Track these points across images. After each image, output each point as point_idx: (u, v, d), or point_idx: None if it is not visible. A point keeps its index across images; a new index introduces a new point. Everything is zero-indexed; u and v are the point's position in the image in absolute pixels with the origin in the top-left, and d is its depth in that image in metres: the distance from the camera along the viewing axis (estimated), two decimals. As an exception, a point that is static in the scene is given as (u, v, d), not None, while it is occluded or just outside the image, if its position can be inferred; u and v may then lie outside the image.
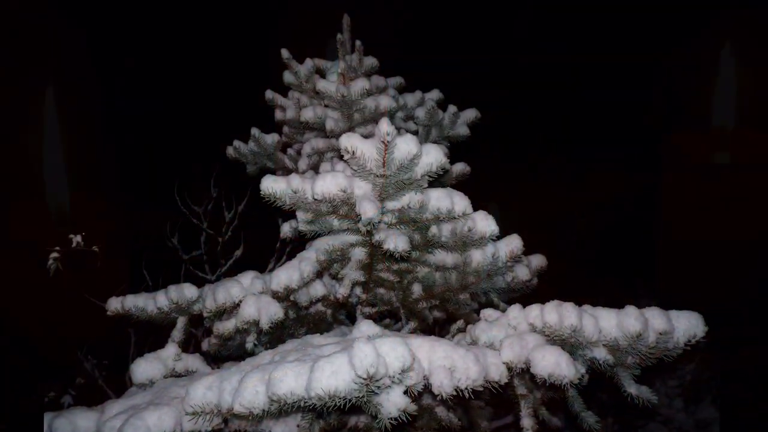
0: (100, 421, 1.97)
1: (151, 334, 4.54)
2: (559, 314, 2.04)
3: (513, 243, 2.59)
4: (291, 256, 3.68)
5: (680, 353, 2.04)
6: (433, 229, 2.52)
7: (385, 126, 2.22)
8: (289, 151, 4.00)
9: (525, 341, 2.02)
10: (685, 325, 1.98)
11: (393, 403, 1.70)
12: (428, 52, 5.99)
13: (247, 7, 5.68)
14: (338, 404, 1.63)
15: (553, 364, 1.90)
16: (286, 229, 3.00)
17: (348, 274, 2.70)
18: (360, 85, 3.31)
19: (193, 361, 2.55)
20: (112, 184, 5.81)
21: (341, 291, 2.69)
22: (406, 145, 2.25)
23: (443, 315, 3.06)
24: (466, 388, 1.81)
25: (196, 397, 1.82)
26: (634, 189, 6.50)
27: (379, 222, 2.43)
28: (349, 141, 2.29)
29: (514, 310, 2.20)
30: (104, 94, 5.82)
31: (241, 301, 2.56)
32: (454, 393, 1.80)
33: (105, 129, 5.81)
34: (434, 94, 3.96)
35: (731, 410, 4.66)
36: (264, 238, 4.53)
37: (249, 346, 2.61)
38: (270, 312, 2.45)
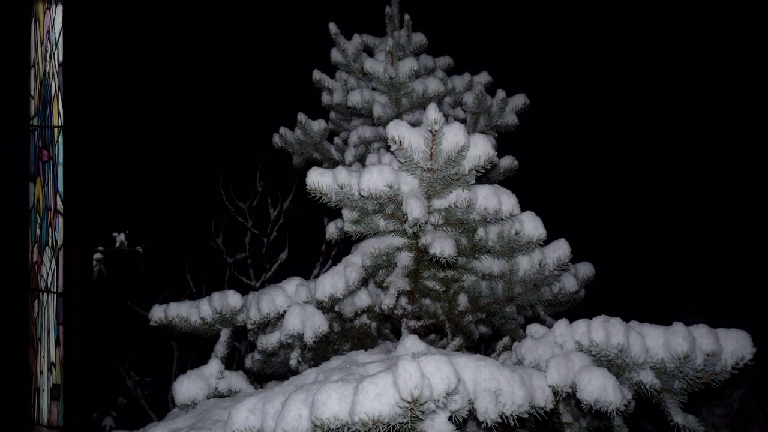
0: (140, 447, 2.05)
1: (194, 347, 4.66)
2: (606, 331, 2.01)
3: (561, 249, 2.57)
4: (337, 260, 3.72)
5: (727, 378, 2.01)
6: (480, 232, 2.51)
7: (432, 113, 2.22)
8: (336, 140, 4.03)
9: (571, 362, 2.01)
10: (733, 346, 1.95)
11: (437, 431, 1.70)
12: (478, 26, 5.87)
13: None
14: (382, 431, 1.64)
15: (600, 388, 1.89)
16: (331, 229, 2.99)
17: (393, 282, 2.69)
18: (408, 65, 3.29)
19: (236, 380, 2.59)
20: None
21: (387, 301, 2.70)
22: (453, 136, 2.25)
23: (489, 330, 3.05)
24: (511, 415, 1.81)
25: (238, 421, 1.84)
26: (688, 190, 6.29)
27: (425, 223, 2.42)
28: (397, 129, 2.30)
29: (561, 325, 2.18)
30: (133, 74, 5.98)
31: (285, 312, 2.56)
32: (499, 420, 1.79)
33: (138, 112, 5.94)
34: (483, 77, 3.91)
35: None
36: (310, 238, 4.55)
37: (293, 363, 2.64)
38: (314, 324, 2.46)
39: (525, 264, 2.59)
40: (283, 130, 4.11)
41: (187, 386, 2.45)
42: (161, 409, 4.66)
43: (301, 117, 3.96)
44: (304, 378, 2.14)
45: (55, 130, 6.38)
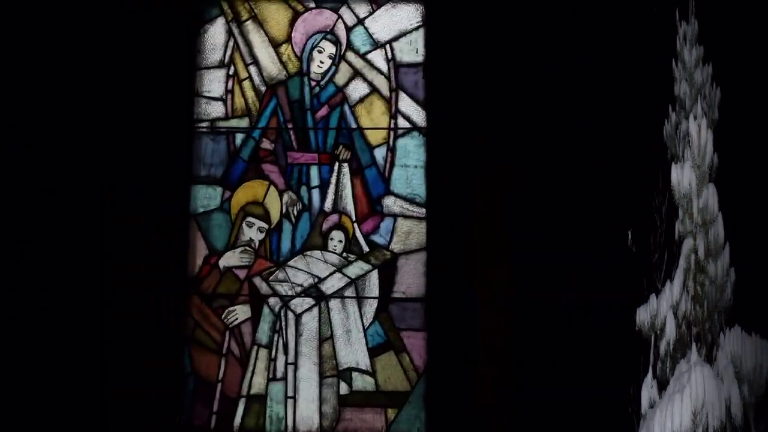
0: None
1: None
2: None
3: (725, 256, 2.49)
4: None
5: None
6: (710, 234, 2.49)
7: (698, 106, 2.48)
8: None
9: (728, 373, 2.04)
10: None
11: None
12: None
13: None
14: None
15: (735, 403, 1.92)
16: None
17: (689, 286, 2.65)
18: (693, 53, 3.27)
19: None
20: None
21: (683, 306, 2.66)
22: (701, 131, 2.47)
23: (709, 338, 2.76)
24: (714, 429, 1.89)
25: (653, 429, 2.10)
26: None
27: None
28: (690, 124, 2.56)
29: (728, 335, 2.22)
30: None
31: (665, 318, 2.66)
32: None
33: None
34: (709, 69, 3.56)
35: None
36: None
37: (658, 371, 2.69)
38: (669, 330, 2.61)
39: (711, 268, 2.53)
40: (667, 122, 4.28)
41: (644, 395, 2.59)
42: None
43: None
44: (671, 386, 2.27)
45: (374, 131, 6.22)
